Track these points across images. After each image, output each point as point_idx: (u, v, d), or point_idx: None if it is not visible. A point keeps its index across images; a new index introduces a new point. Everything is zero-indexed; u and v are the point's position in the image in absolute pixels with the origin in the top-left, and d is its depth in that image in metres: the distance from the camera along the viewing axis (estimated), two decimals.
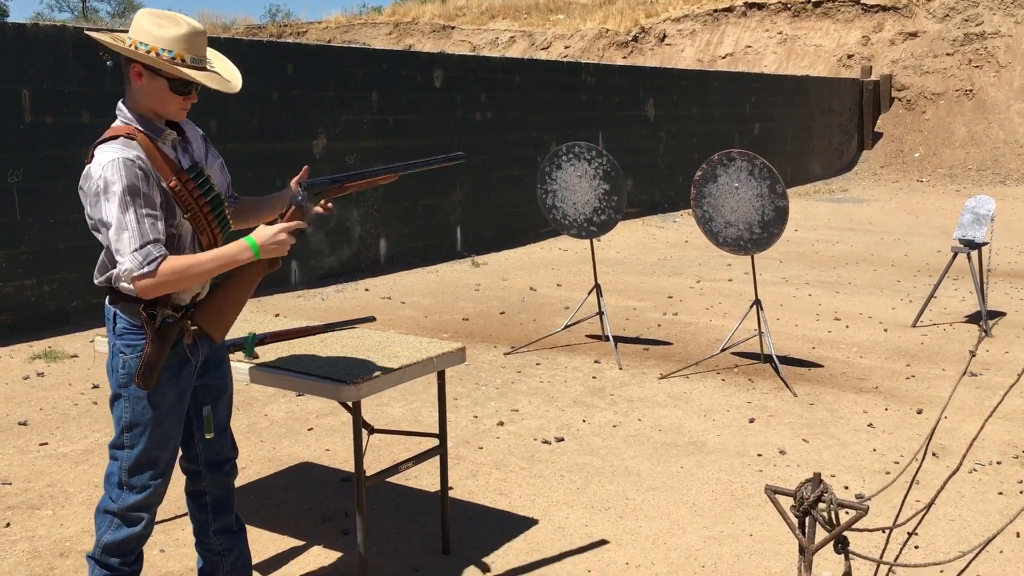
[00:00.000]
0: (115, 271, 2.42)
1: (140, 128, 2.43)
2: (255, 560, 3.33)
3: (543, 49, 25.13)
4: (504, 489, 4.02)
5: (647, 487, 4.04)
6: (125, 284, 2.40)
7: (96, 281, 2.51)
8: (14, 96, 6.43)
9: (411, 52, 10.63)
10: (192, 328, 2.52)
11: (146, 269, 2.33)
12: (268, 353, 3.13)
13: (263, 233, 2.49)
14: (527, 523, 3.69)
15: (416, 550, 3.46)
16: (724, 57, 23.26)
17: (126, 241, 2.32)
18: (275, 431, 4.76)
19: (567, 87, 12.05)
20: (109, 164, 2.33)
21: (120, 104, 2.47)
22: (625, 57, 24.10)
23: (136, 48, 2.39)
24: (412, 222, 9.78)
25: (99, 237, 2.43)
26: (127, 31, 2.52)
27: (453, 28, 27.29)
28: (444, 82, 10.07)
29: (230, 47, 8.19)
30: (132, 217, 2.32)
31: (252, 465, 4.29)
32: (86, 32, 2.56)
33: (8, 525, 3.65)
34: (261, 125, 8.18)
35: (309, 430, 4.76)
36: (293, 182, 2.68)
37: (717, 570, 3.32)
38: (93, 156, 2.38)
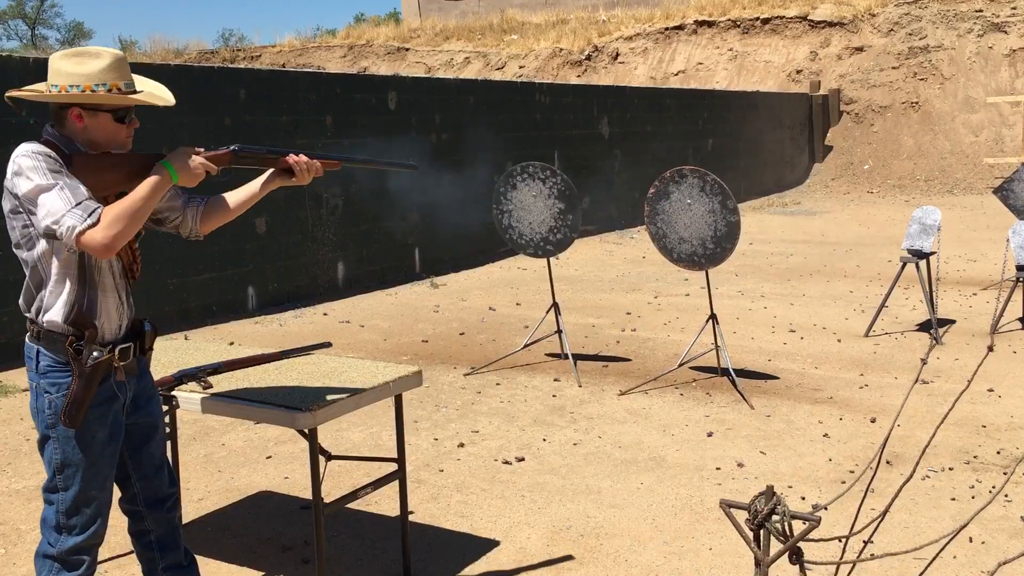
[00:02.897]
0: (41, 295, 2.40)
1: (56, 143, 2.40)
2: None
3: (498, 69, 25.27)
4: (465, 511, 4.01)
5: (608, 504, 4.06)
6: (43, 304, 2.37)
7: (24, 312, 2.46)
8: None
9: (364, 75, 10.64)
10: (120, 364, 2.48)
11: (90, 220, 2.27)
12: (223, 382, 3.11)
13: (180, 158, 2.45)
14: (489, 545, 3.68)
15: None
16: (676, 74, 23.56)
17: (60, 205, 2.27)
18: (233, 460, 4.71)
19: (522, 107, 12.13)
20: (19, 154, 2.31)
21: (46, 126, 2.46)
22: (579, 76, 24.31)
23: (68, 91, 2.36)
24: (370, 245, 9.76)
25: (22, 255, 2.39)
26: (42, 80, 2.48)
27: (408, 50, 27.34)
28: (399, 104, 10.09)
29: (181, 74, 8.15)
30: (59, 186, 2.28)
31: (210, 496, 4.24)
32: (6, 97, 2.51)
33: None
34: None
35: (267, 458, 4.72)
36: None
37: None
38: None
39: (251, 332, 7.62)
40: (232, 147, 2.61)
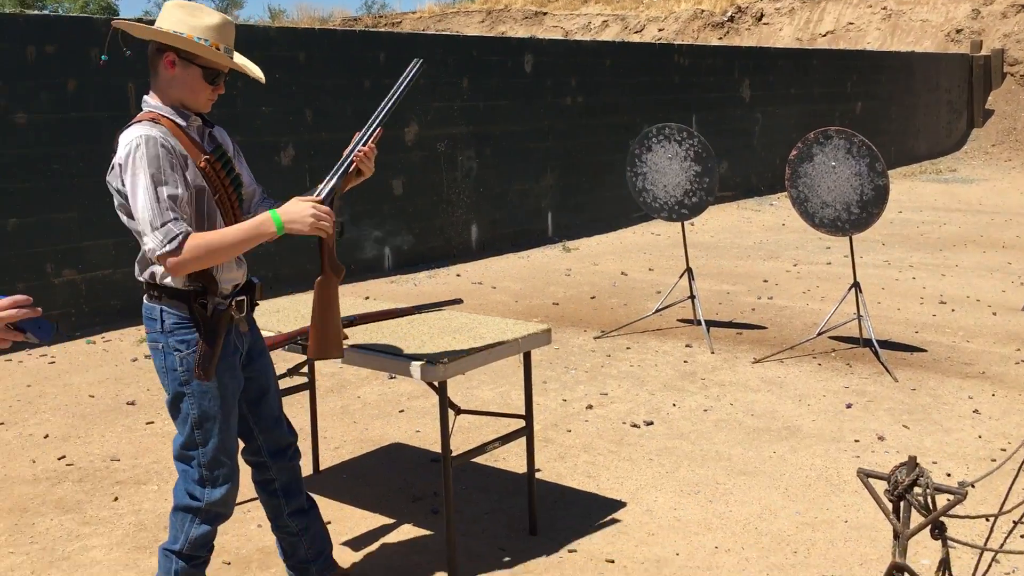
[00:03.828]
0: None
1: (165, 114, 2.45)
2: (346, 537, 3.41)
3: (636, 32, 24.83)
4: (592, 472, 4.00)
5: (738, 471, 3.97)
6: (157, 268, 2.43)
7: (138, 277, 2.53)
8: (121, 89, 6.70)
9: (501, 38, 10.65)
10: (240, 316, 2.55)
11: (168, 247, 2.32)
12: (357, 334, 3.19)
13: (291, 209, 2.44)
14: (615, 505, 3.67)
15: (504, 530, 3.48)
16: (824, 35, 22.56)
17: (147, 220, 2.32)
18: (367, 412, 4.85)
19: (659, 70, 11.88)
20: (131, 143, 2.35)
21: (144, 97, 2.50)
22: (720, 38, 23.61)
23: (172, 34, 2.40)
24: (503, 208, 9.81)
25: (131, 225, 2.45)
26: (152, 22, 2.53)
27: (545, 14, 27.19)
28: (534, 67, 10.06)
29: (324, 37, 8.36)
30: (153, 195, 2.32)
31: (345, 445, 4.39)
32: (112, 22, 2.58)
33: (116, 499, 3.82)
34: (354, 114, 8.31)
35: (400, 412, 4.84)
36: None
37: (810, 556, 3.24)
38: (118, 143, 2.41)
39: (387, 291, 7.81)
40: (318, 196, 2.53)
